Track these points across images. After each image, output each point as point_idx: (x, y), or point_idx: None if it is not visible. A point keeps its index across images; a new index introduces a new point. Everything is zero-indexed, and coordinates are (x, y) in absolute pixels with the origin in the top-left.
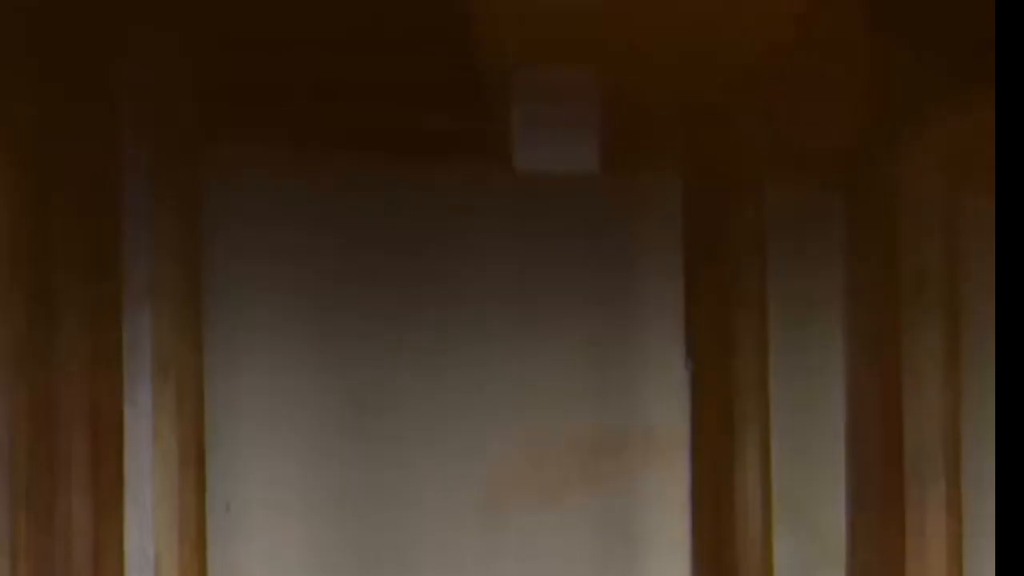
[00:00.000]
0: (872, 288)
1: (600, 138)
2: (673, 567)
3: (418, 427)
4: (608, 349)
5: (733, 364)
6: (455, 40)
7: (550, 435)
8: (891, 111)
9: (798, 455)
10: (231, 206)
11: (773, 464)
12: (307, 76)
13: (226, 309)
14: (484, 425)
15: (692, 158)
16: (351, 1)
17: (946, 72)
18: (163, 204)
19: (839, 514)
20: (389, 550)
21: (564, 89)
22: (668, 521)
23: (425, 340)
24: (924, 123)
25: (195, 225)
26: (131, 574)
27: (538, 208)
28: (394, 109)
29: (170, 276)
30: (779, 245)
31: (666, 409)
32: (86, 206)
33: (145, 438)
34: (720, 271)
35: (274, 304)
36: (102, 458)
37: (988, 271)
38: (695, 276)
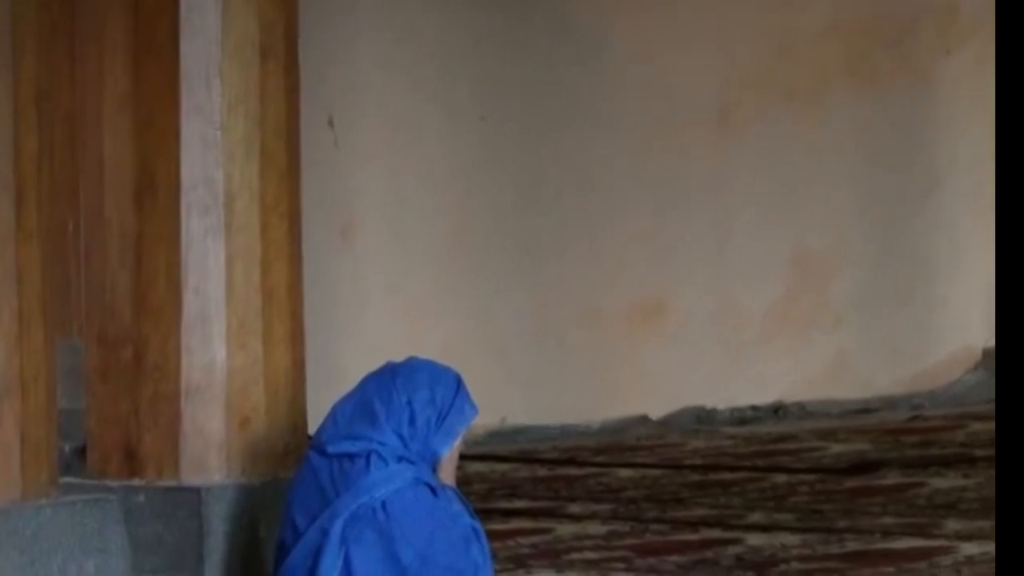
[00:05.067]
0: None
1: None
2: (961, 178)
3: (630, 12)
4: None
5: None
6: None
7: (803, 21)
8: None
9: None
10: None
11: None
12: None
13: None
14: (722, 9)
15: None
16: None
17: None
18: None
19: None
20: (579, 176)
21: None
22: (957, 125)
23: None
24: None
25: None
26: (190, 210)
27: None
28: None
29: None
30: None
31: None
32: None
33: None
34: None
35: None
36: (142, 37)
37: None
38: None
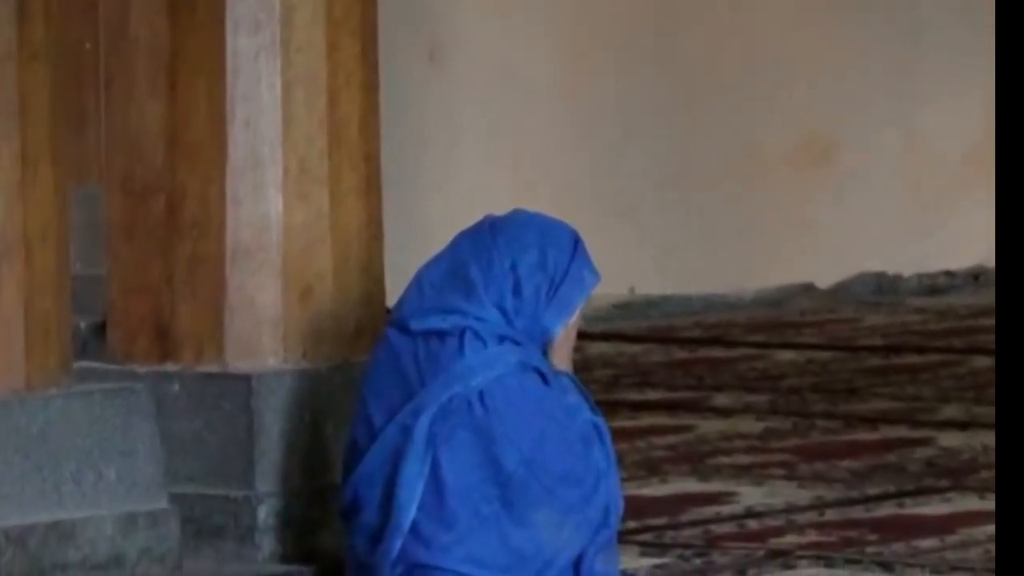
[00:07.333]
0: None
1: None
2: None
3: None
4: None
5: None
6: None
7: None
8: None
9: None
10: None
11: None
12: None
13: None
14: None
15: None
16: None
17: None
18: None
19: None
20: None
21: None
22: None
23: None
24: None
25: None
26: (238, 25)
27: None
28: None
29: None
30: None
31: None
32: None
33: None
34: None
35: None
36: None
37: None
38: None
